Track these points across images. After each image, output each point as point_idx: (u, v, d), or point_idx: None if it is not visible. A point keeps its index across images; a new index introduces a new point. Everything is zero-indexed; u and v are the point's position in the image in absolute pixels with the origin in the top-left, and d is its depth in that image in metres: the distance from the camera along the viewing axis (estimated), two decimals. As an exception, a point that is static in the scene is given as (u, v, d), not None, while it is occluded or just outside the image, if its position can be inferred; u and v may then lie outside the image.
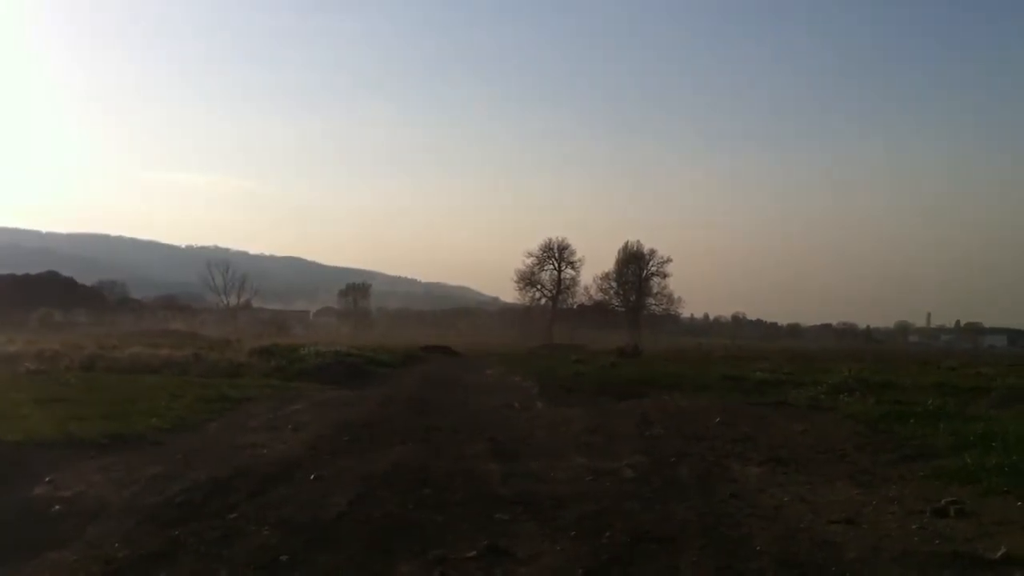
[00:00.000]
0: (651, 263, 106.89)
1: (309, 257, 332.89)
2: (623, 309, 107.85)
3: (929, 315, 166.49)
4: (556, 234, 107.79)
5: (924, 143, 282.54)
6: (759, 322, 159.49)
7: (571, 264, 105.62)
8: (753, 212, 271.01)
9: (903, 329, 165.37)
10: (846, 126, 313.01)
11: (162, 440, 12.18)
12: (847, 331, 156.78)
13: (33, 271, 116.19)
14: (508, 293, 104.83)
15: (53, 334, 53.90)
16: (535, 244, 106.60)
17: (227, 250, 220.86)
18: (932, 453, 11.17)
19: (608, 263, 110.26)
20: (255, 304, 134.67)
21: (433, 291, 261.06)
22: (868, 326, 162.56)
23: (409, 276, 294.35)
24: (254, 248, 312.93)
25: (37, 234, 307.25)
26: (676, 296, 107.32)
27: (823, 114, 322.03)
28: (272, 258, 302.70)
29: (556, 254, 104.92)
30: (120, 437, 11.86)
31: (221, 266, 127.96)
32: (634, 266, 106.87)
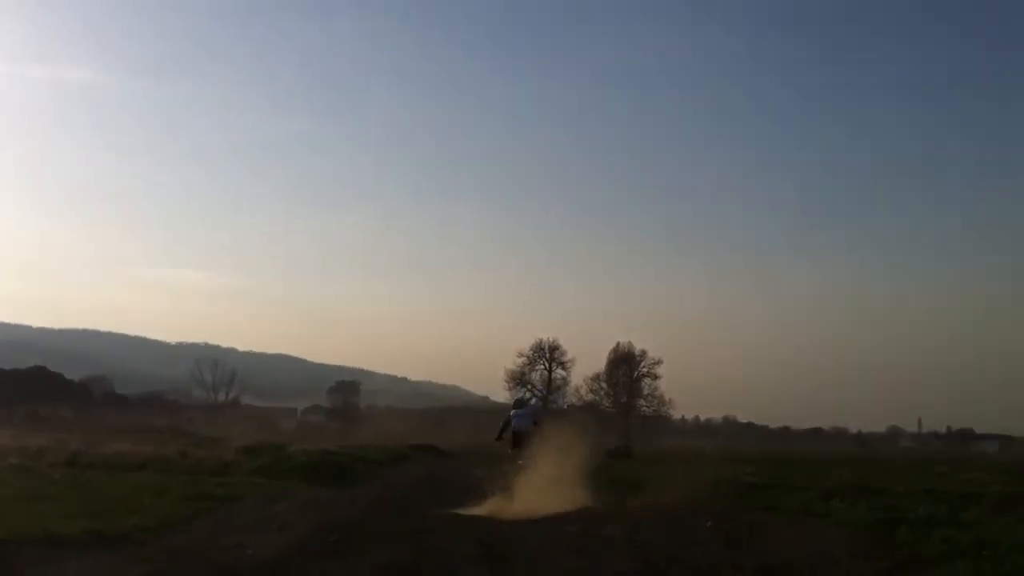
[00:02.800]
0: (642, 364, 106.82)
1: (298, 354, 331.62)
2: (613, 410, 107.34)
3: (920, 420, 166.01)
4: (547, 334, 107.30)
5: (914, 249, 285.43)
6: (750, 425, 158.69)
7: (562, 364, 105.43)
8: (745, 315, 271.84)
9: (894, 433, 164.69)
10: (837, 233, 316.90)
11: (146, 539, 12.00)
12: (838, 435, 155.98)
13: (21, 365, 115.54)
14: (498, 392, 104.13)
15: (38, 429, 53.39)
16: (526, 344, 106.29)
17: (216, 347, 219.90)
18: (924, 561, 11.08)
19: (599, 364, 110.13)
20: (243, 401, 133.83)
21: (423, 390, 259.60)
22: (859, 430, 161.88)
23: (399, 375, 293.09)
24: (243, 345, 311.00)
25: (27, 328, 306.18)
26: (667, 397, 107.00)
27: (814, 220, 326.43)
28: (261, 355, 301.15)
29: (547, 354, 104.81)
30: (103, 535, 11.68)
31: (210, 362, 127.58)
32: (625, 367, 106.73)
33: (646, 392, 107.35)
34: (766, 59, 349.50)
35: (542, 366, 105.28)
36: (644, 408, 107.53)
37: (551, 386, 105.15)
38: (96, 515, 13.34)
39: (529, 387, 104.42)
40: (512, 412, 22.21)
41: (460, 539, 12.78)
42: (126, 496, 16.35)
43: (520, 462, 20.13)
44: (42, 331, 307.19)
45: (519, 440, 21.13)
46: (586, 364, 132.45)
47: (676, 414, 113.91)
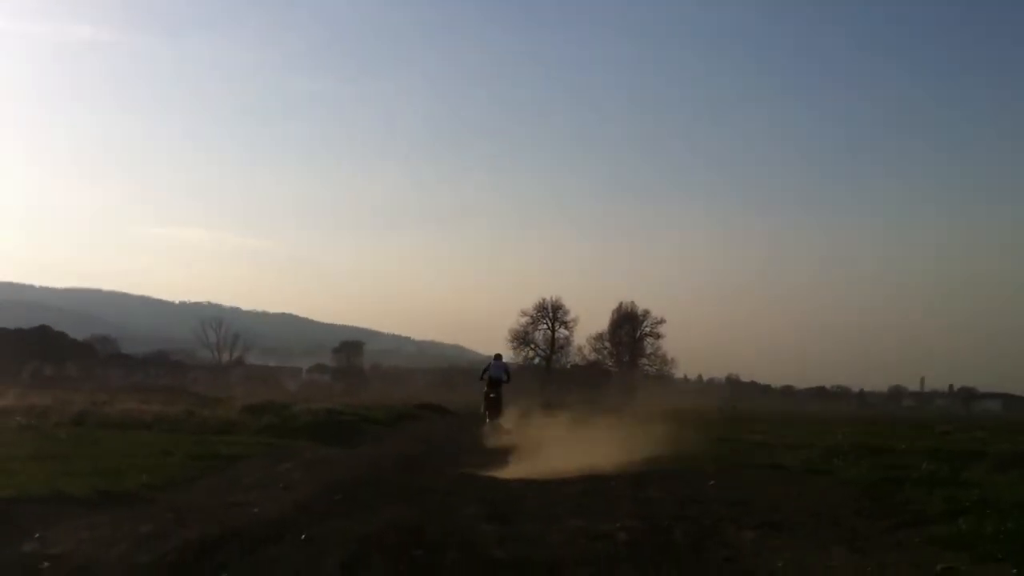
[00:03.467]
0: (645, 324, 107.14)
1: (302, 314, 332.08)
2: (616, 370, 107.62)
3: (923, 379, 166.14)
4: (550, 294, 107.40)
5: (919, 208, 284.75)
6: (753, 384, 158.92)
7: (565, 324, 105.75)
8: (748, 275, 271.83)
9: (897, 393, 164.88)
10: (842, 191, 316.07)
11: (153, 497, 12.08)
12: (841, 394, 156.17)
13: (25, 325, 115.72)
14: (503, 352, 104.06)
15: (44, 389, 53.52)
16: (529, 303, 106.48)
17: (220, 306, 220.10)
18: (927, 519, 11.11)
19: (602, 323, 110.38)
20: (248, 360, 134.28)
21: (427, 350, 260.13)
22: (862, 389, 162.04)
23: (403, 334, 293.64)
24: (247, 304, 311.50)
25: (31, 288, 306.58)
26: (670, 357, 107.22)
27: (819, 179, 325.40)
28: (265, 314, 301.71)
29: (550, 314, 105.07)
30: (110, 494, 11.76)
31: (214, 322, 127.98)
32: (628, 327, 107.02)
33: (649, 351, 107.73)
34: (781, 18, 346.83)
35: (545, 325, 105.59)
36: (647, 367, 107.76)
37: (554, 345, 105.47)
38: (103, 474, 13.43)
39: (532, 346, 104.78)
40: (491, 363, 30.11)
41: (465, 498, 12.84)
42: (132, 455, 16.43)
43: (500, 421, 28.27)
44: (46, 290, 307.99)
45: (493, 385, 29.11)
46: (589, 324, 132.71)
47: (679, 373, 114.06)
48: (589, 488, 14.42)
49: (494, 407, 29.11)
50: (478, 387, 30.34)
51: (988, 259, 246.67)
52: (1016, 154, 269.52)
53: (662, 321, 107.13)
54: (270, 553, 8.49)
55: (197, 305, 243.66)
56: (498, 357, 31.29)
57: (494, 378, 29.40)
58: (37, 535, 8.92)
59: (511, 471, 17.84)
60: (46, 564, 7.83)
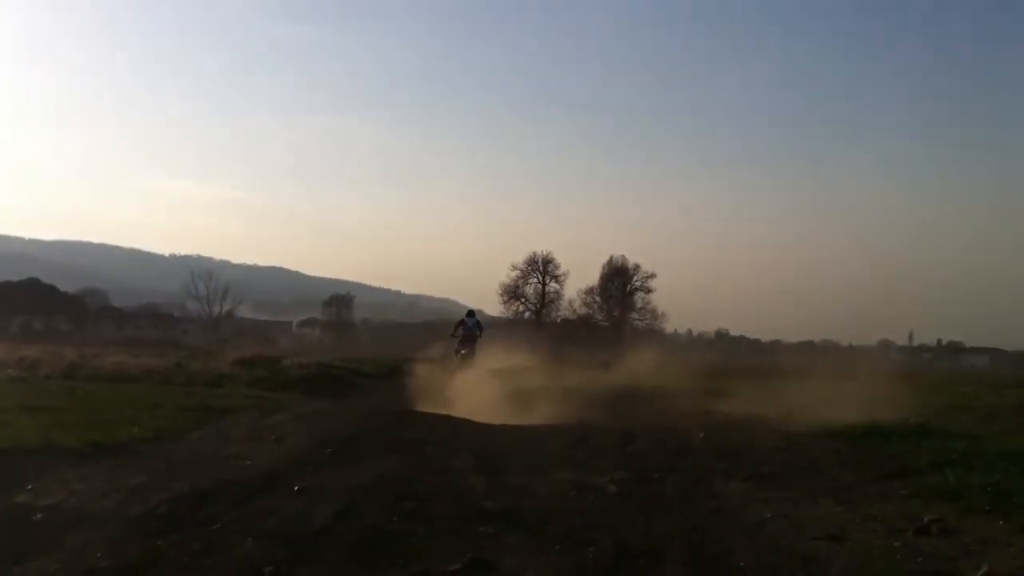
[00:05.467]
0: (635, 278, 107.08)
1: (292, 267, 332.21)
2: (607, 324, 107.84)
3: (911, 333, 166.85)
4: (541, 247, 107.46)
5: (909, 162, 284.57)
6: (742, 338, 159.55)
7: (555, 278, 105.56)
8: (737, 229, 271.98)
9: (885, 347, 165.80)
10: (832, 144, 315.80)
11: (144, 450, 12.12)
12: (829, 348, 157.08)
13: (14, 278, 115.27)
14: (492, 306, 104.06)
15: (33, 342, 53.53)
16: (520, 257, 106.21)
17: (210, 259, 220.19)
18: (914, 471, 11.20)
19: (592, 277, 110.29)
20: (238, 314, 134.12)
21: (417, 303, 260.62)
22: (850, 343, 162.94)
23: (393, 288, 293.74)
24: (237, 257, 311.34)
25: (20, 240, 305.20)
26: (660, 311, 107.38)
27: (808, 131, 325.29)
28: (255, 268, 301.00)
29: (540, 267, 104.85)
30: (102, 446, 11.79)
31: (204, 275, 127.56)
32: (618, 280, 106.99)
33: (639, 306, 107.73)
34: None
35: (535, 279, 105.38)
36: (637, 321, 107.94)
37: (544, 299, 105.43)
38: (94, 426, 13.44)
39: (523, 300, 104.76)
40: (465, 319, 30.82)
41: (455, 451, 12.88)
42: (124, 407, 16.44)
43: (464, 352, 29.22)
44: (34, 243, 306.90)
45: (467, 340, 29.95)
46: (579, 278, 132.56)
47: (669, 328, 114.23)
48: (579, 440, 14.49)
49: (466, 360, 29.43)
50: (451, 342, 30.68)
51: (979, 212, 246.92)
52: (1008, 106, 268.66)
53: (653, 275, 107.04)
54: (262, 504, 8.54)
55: (187, 258, 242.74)
56: (471, 314, 31.90)
57: (468, 333, 30.25)
58: (29, 486, 8.95)
59: (500, 419, 17.98)
60: (39, 515, 7.87)
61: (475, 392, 23.46)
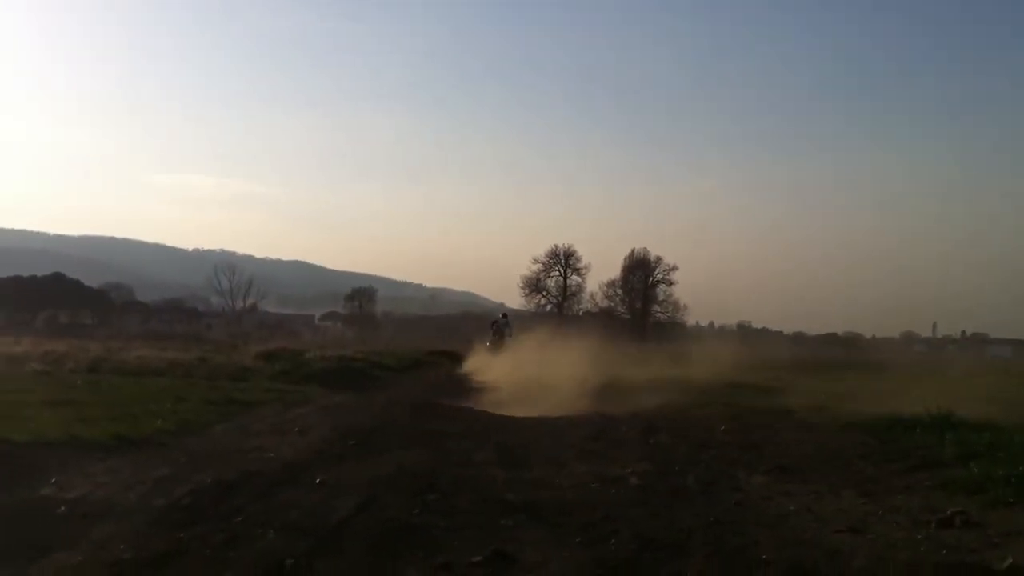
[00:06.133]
0: (657, 270, 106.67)
1: (315, 261, 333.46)
2: (628, 316, 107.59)
3: (935, 325, 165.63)
4: (562, 240, 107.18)
5: (933, 154, 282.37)
6: (764, 330, 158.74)
7: (577, 271, 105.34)
8: (760, 222, 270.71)
9: (908, 338, 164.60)
10: (856, 137, 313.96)
11: (168, 442, 12.20)
12: (852, 340, 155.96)
13: (39, 273, 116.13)
14: (514, 299, 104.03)
15: (58, 336, 53.94)
16: (541, 250, 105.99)
17: (233, 253, 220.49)
18: (938, 463, 11.12)
19: (614, 270, 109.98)
20: (261, 308, 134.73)
21: (439, 296, 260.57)
22: (874, 335, 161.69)
23: (415, 281, 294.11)
24: (260, 252, 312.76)
25: (44, 236, 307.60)
26: (682, 304, 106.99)
27: (833, 126, 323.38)
28: (278, 262, 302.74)
29: (562, 260, 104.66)
30: (126, 439, 11.88)
31: (227, 269, 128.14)
32: (640, 273, 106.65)
33: (661, 298, 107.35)
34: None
35: (557, 272, 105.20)
36: (659, 314, 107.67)
37: (566, 292, 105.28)
38: (118, 419, 13.53)
39: (544, 293, 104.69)
40: (499, 319, 42.46)
41: (476, 443, 12.91)
42: (148, 401, 16.54)
43: (496, 341, 39.06)
44: (60, 238, 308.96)
45: (498, 334, 40.56)
46: (601, 270, 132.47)
47: (691, 320, 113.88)
48: (600, 432, 14.49)
49: (496, 347, 39.36)
50: (486, 334, 41.50)
51: (1003, 203, 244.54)
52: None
53: (675, 268, 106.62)
54: (285, 496, 8.57)
55: (210, 252, 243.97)
56: (505, 316, 43.14)
57: (502, 333, 40.93)
58: (53, 479, 9.02)
59: (523, 411, 18.01)
60: (63, 508, 7.93)
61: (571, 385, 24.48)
